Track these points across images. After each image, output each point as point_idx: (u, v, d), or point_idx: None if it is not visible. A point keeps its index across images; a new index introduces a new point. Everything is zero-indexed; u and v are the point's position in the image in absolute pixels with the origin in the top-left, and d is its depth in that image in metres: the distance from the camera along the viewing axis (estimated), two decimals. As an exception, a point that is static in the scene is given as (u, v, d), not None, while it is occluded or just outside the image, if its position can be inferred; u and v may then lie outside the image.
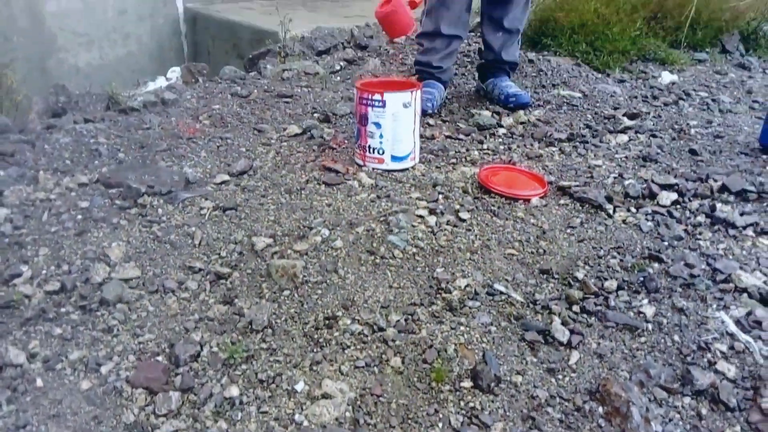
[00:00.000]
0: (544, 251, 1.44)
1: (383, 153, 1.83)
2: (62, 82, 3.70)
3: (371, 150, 1.83)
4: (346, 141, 2.02)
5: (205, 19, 4.00)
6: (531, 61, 2.94)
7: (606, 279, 1.34)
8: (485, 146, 2.07)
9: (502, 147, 2.08)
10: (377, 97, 1.77)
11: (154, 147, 1.88)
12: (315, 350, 1.14)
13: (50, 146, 1.85)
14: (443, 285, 1.31)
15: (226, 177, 1.72)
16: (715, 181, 1.70)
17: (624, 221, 1.58)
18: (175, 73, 2.69)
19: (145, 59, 3.98)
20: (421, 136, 2.06)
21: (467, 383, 1.08)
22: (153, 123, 2.08)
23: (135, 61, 3.94)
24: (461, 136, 2.14)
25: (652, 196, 1.67)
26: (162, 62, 4.08)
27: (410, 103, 1.80)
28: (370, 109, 1.79)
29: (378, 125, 1.80)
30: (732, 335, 1.17)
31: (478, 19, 2.84)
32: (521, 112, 2.39)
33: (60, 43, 3.60)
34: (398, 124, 1.80)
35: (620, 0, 3.10)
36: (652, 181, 1.72)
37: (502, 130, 2.24)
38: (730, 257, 1.40)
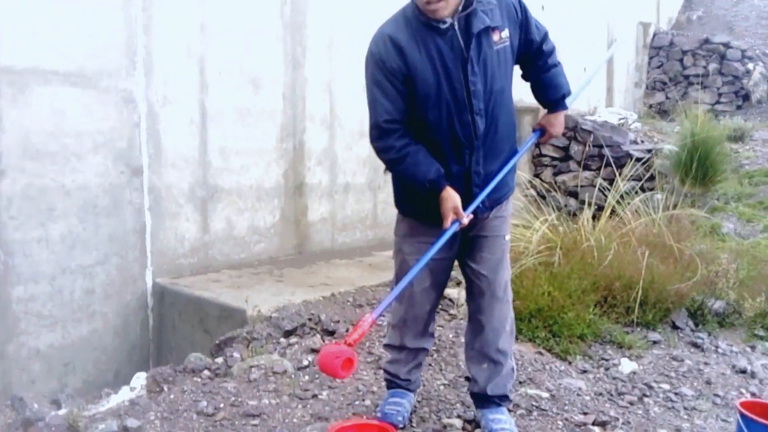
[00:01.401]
0: None
1: (358, 506, 1.75)
2: (20, 366, 3.62)
3: (345, 503, 1.76)
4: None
5: (173, 294, 4.07)
6: (495, 351, 3.01)
7: None
8: (460, 479, 2.02)
9: (477, 478, 2.03)
10: (351, 450, 1.75)
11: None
12: None
13: None
14: None
15: None
16: None
17: None
18: (139, 380, 2.64)
19: (109, 336, 3.94)
20: (395, 466, 2.00)
21: None
22: (113, 462, 1.98)
23: (99, 338, 3.90)
24: (435, 463, 2.10)
25: None
26: (126, 337, 4.05)
27: (385, 453, 1.78)
28: (343, 461, 1.75)
29: (352, 478, 1.75)
30: None
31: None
32: (492, 422, 2.37)
33: (22, 327, 3.56)
34: (373, 475, 1.76)
35: (570, 283, 3.31)
36: None
37: (474, 447, 2.22)
38: None
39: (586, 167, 6.88)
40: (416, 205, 2.24)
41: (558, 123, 2.40)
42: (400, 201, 2.35)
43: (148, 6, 3.95)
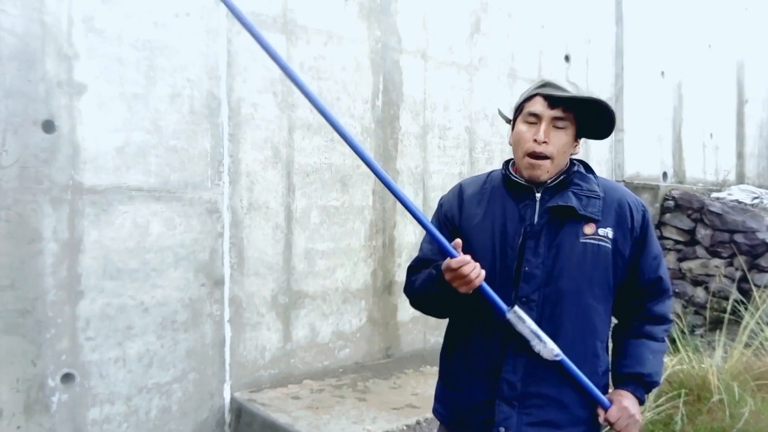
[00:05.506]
0: None
1: None
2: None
3: None
4: None
5: (249, 414, 3.84)
6: None
7: None
8: None
9: None
10: None
11: None
12: None
13: None
14: None
15: None
16: None
17: None
18: None
19: (183, 456, 3.77)
20: None
21: None
22: None
23: (172, 459, 3.73)
24: None
25: None
26: (201, 456, 3.86)
27: None
28: None
29: None
30: None
31: None
32: None
33: (97, 451, 3.46)
34: None
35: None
36: None
37: None
38: None
39: (716, 254, 6.10)
40: (450, 399, 1.84)
41: (624, 415, 1.67)
42: (436, 397, 1.94)
43: (235, 114, 3.84)
